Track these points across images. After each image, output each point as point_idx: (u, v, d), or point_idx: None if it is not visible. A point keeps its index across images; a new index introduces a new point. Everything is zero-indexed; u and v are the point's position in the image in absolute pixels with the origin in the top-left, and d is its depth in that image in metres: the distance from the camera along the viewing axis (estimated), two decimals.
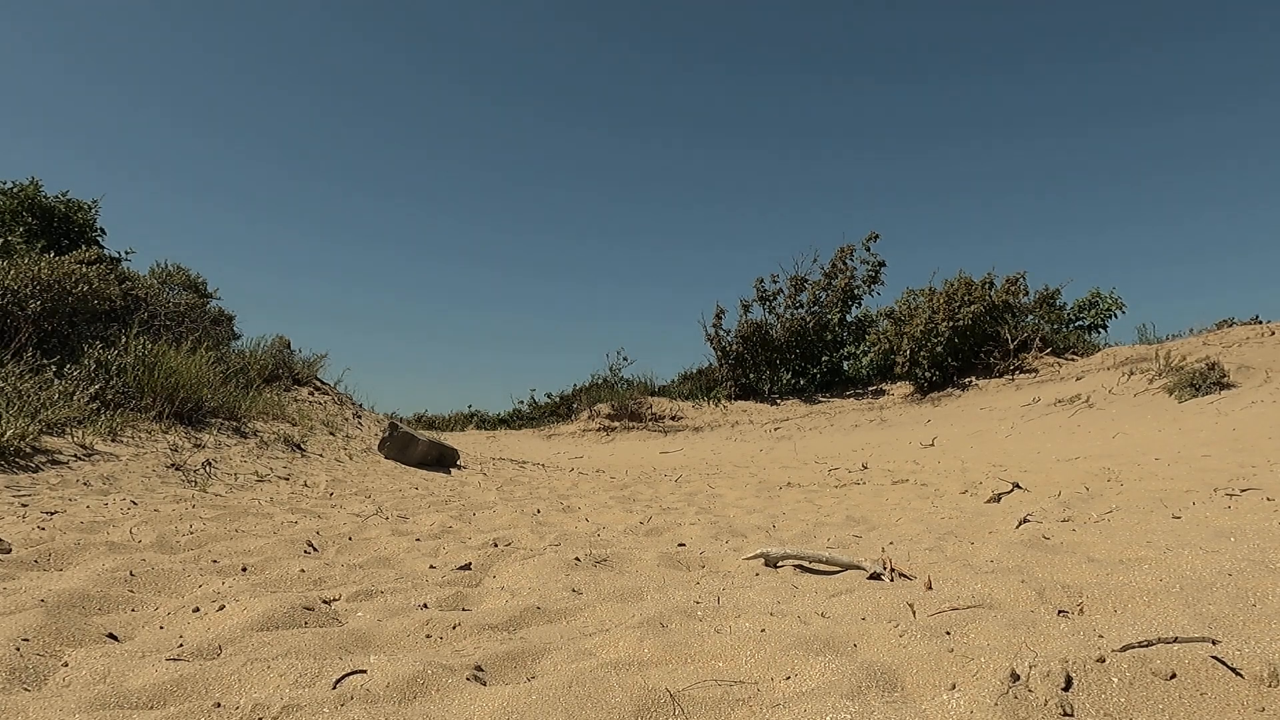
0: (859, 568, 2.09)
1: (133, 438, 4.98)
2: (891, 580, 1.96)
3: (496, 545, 2.66)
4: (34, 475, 3.83)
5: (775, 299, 16.40)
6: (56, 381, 5.18)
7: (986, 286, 14.54)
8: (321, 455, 6.08)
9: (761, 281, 16.51)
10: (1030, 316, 14.94)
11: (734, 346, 15.99)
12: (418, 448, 6.47)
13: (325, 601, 1.81)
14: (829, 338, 16.21)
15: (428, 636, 1.52)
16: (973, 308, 13.92)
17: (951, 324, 13.85)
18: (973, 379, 13.91)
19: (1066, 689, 1.06)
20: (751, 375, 16.10)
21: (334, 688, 1.18)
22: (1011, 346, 13.83)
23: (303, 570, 2.12)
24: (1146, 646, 1.16)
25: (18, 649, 1.37)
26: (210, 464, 4.81)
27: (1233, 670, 1.07)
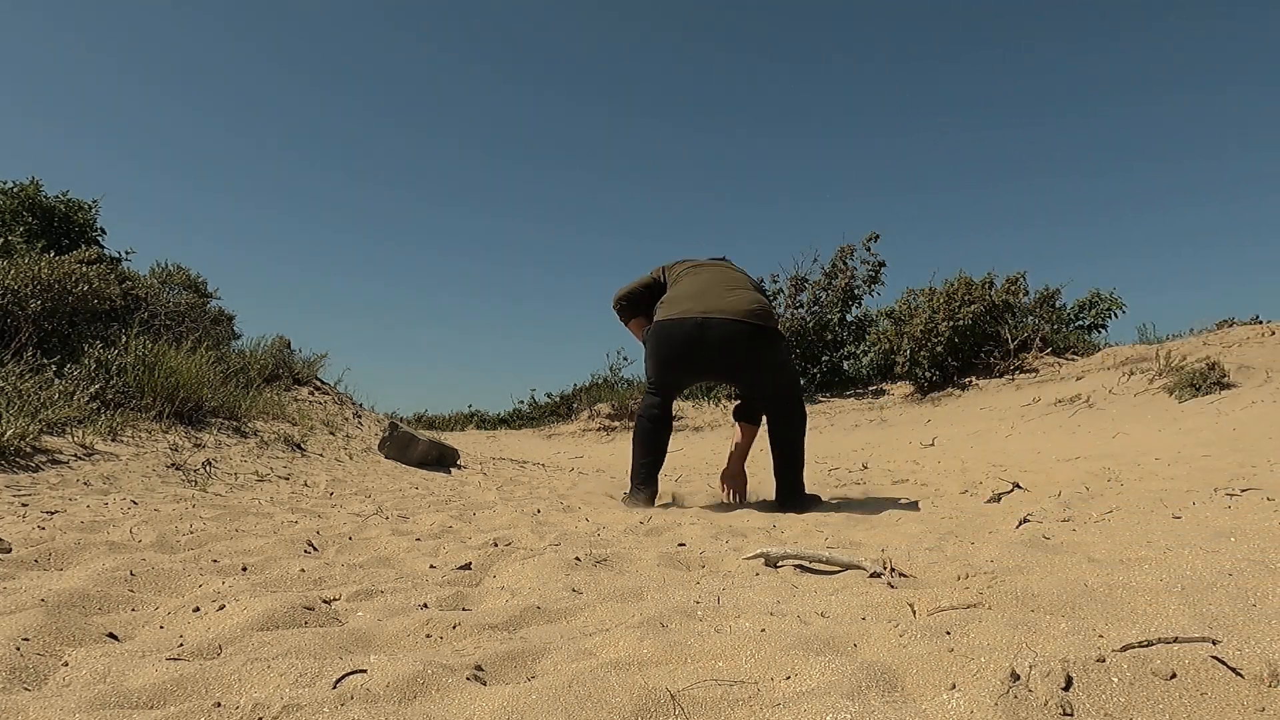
0: (859, 567, 2.09)
1: (133, 437, 4.98)
2: (891, 580, 1.95)
3: (497, 545, 2.66)
4: (34, 475, 3.83)
5: (775, 299, 16.41)
6: (56, 381, 5.18)
7: (986, 286, 14.54)
8: (321, 455, 6.08)
9: (761, 281, 16.51)
10: (1030, 316, 14.94)
11: None
12: (418, 447, 6.47)
13: (325, 601, 1.81)
14: (829, 338, 16.21)
15: (428, 636, 1.52)
16: (973, 308, 13.92)
17: (951, 324, 13.85)
18: (973, 379, 13.91)
19: (1066, 689, 1.05)
20: None
21: (334, 687, 1.18)
22: (1011, 346, 13.83)
23: (303, 570, 2.12)
24: (1147, 646, 1.16)
25: (18, 648, 1.37)
26: (210, 464, 4.81)
27: (1233, 670, 1.07)
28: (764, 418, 3.84)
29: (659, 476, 3.76)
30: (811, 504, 3.68)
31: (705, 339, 3.36)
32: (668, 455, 4.14)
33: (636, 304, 3.82)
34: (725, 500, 4.03)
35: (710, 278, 3.57)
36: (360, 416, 8.19)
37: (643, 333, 3.71)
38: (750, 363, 3.45)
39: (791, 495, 3.63)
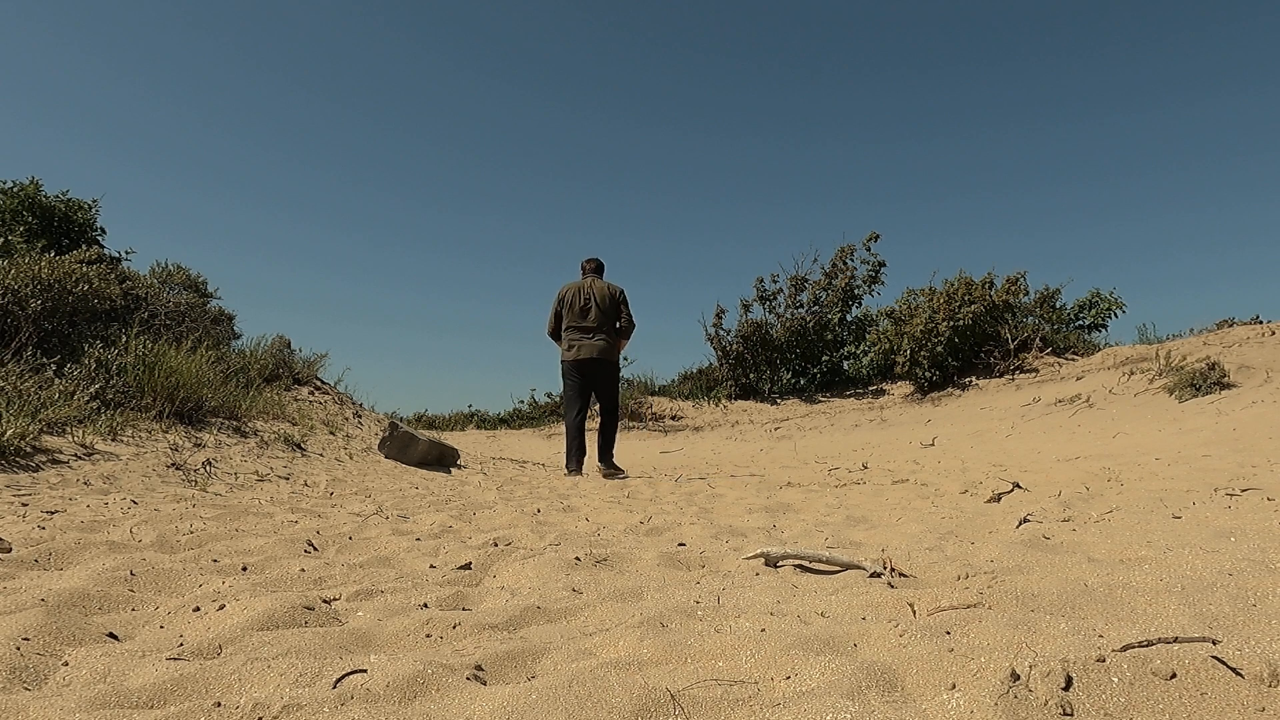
0: (859, 567, 2.09)
1: (133, 437, 4.98)
2: (891, 580, 1.96)
3: (497, 545, 2.66)
4: (34, 474, 3.83)
5: (775, 298, 16.41)
6: (57, 381, 5.18)
7: (986, 286, 14.54)
8: (322, 455, 6.08)
9: (761, 281, 16.53)
10: (1030, 316, 14.95)
11: (734, 346, 15.99)
12: (418, 447, 6.47)
13: (325, 601, 1.81)
14: (829, 337, 16.21)
15: (428, 636, 1.52)
16: (973, 307, 13.92)
17: (951, 324, 13.85)
18: (973, 379, 13.91)
19: (1066, 689, 1.06)
20: (752, 375, 16.10)
21: (334, 687, 1.18)
22: (1011, 346, 13.84)
23: (303, 570, 2.12)
24: (1147, 646, 1.16)
25: (18, 648, 1.37)
26: (210, 463, 4.81)
27: (1233, 670, 1.07)
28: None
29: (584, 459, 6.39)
30: (617, 472, 6.13)
31: (590, 364, 6.21)
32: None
33: (558, 330, 6.38)
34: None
35: (583, 320, 6.16)
36: (360, 416, 8.19)
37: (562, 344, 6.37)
38: (605, 377, 6.27)
39: (607, 457, 6.15)
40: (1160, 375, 10.19)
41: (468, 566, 2.24)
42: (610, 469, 6.14)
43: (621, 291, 6.25)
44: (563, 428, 15.50)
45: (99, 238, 9.41)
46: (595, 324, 6.12)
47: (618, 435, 14.42)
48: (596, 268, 6.35)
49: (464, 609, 1.78)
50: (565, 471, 6.31)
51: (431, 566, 2.29)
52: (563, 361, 6.26)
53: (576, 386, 6.21)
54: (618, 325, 6.26)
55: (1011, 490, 4.04)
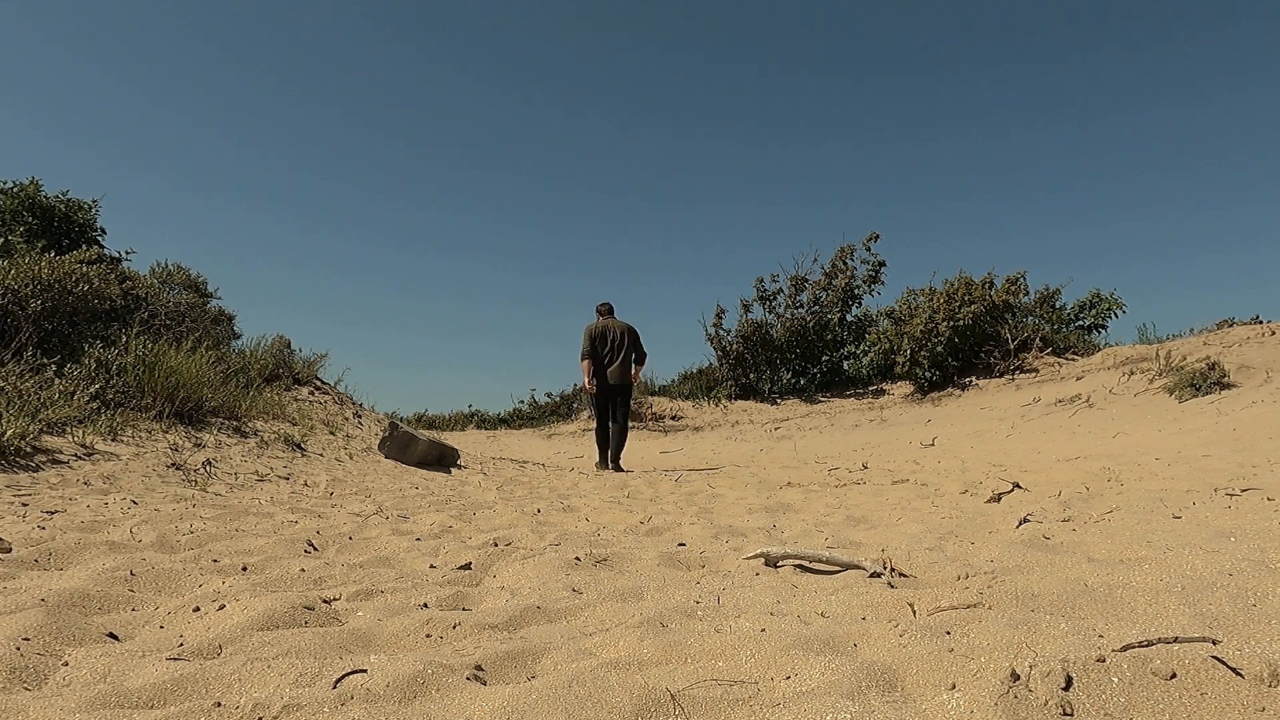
0: (859, 567, 2.09)
1: (133, 437, 4.98)
2: (891, 580, 1.96)
3: (497, 545, 2.66)
4: (34, 475, 3.84)
5: (775, 299, 16.41)
6: (57, 381, 5.18)
7: (987, 286, 14.53)
8: (322, 455, 6.08)
9: (761, 281, 16.53)
10: (1030, 316, 14.94)
11: (734, 346, 15.98)
12: (418, 447, 6.47)
13: (325, 601, 1.81)
14: (829, 337, 16.21)
15: (428, 636, 1.52)
16: (973, 307, 13.91)
17: (952, 324, 13.85)
18: (973, 379, 13.91)
19: (1066, 689, 1.06)
20: (752, 375, 16.09)
21: (334, 687, 1.18)
22: (1011, 346, 13.83)
23: (303, 570, 2.12)
24: (1147, 646, 1.16)
25: (18, 648, 1.37)
26: (210, 463, 4.81)
27: (1233, 670, 1.07)
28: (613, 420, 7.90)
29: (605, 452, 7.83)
30: (621, 469, 7.66)
31: (613, 387, 7.83)
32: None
33: (589, 355, 7.88)
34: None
35: (610, 353, 7.86)
36: (360, 416, 8.19)
37: (587, 370, 7.82)
38: (622, 395, 7.89)
39: (616, 459, 7.67)
40: (1160, 375, 10.19)
41: (468, 566, 2.24)
42: (617, 468, 7.72)
43: (634, 329, 8.12)
44: (563, 429, 15.69)
45: (99, 238, 9.41)
46: (618, 355, 7.97)
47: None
48: (610, 310, 8.15)
49: (464, 609, 1.78)
50: (596, 468, 7.87)
51: (431, 566, 2.29)
52: (600, 385, 8.11)
53: (603, 402, 7.99)
54: (633, 356, 8.17)
55: (1011, 490, 4.04)
